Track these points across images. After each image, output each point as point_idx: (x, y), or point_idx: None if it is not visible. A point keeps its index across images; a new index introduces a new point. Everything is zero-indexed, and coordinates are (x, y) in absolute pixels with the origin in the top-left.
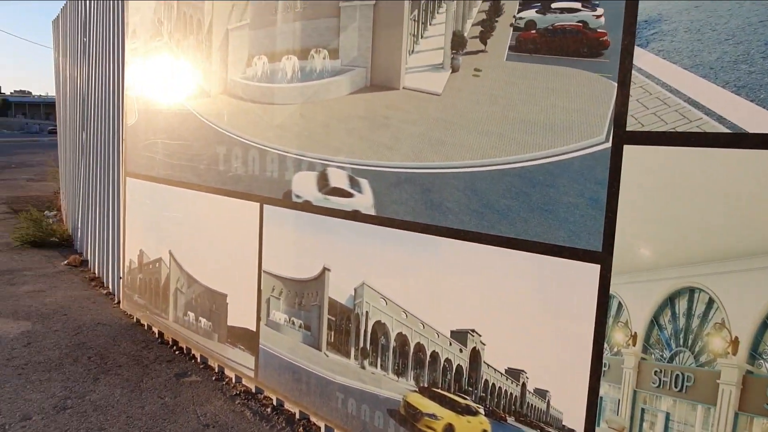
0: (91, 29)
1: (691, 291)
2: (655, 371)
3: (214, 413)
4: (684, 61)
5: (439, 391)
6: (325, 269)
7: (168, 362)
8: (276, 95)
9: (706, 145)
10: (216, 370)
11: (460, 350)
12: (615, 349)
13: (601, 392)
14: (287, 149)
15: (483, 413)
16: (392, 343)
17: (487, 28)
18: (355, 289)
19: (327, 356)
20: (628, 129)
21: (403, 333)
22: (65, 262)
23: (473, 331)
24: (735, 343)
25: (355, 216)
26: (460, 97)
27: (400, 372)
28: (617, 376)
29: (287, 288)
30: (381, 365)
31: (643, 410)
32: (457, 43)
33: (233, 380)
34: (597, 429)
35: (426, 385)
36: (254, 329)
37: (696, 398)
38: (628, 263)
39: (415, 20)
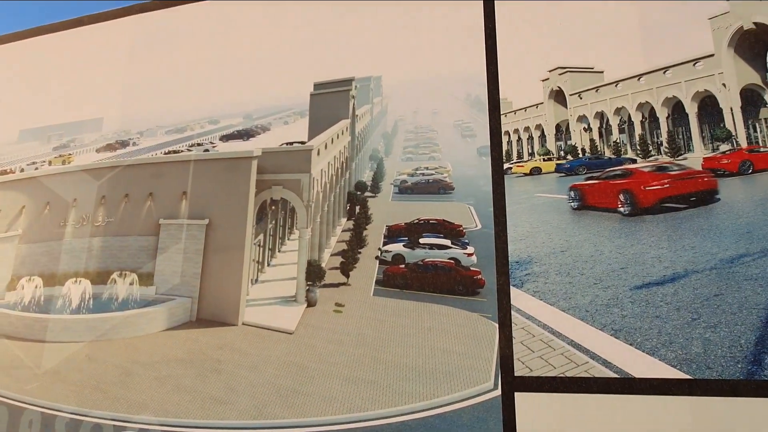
0: None
1: None
2: None
3: None
4: (560, 303)
5: None
6: None
7: None
8: (50, 330)
9: (597, 391)
10: None
11: None
12: None
13: None
14: (58, 406)
15: None
16: None
17: (349, 260)
18: None
19: None
20: (516, 374)
21: None
22: None
23: None
24: None
25: None
26: (318, 336)
27: None
28: None
29: None
30: None
31: None
32: (314, 273)
33: None
34: None
35: None
36: None
37: None
38: None
39: (260, 245)
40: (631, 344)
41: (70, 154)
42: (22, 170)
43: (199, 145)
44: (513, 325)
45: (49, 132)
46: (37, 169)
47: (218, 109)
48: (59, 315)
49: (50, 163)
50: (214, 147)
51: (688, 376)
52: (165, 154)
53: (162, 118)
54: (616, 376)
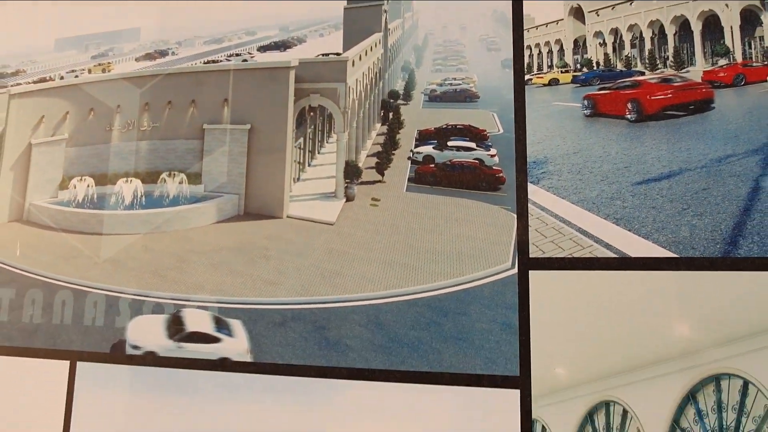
0: None
1: (607, 405)
2: None
3: None
4: (571, 197)
5: None
6: None
7: None
8: (106, 224)
9: (599, 269)
10: None
11: None
12: None
13: None
14: (121, 289)
15: None
16: None
17: (383, 160)
18: None
19: None
20: (531, 256)
21: None
22: None
23: None
24: None
25: (222, 365)
26: (357, 226)
27: None
28: None
29: None
30: None
31: None
32: (352, 172)
33: None
34: None
35: None
36: None
37: None
38: (547, 384)
39: (300, 148)
40: (629, 230)
41: (109, 63)
42: (61, 78)
43: (237, 55)
44: (529, 215)
45: (86, 41)
46: (77, 77)
47: (255, 20)
48: (113, 211)
49: (90, 71)
50: (252, 57)
51: (675, 255)
52: (204, 63)
53: (199, 29)
54: (615, 256)
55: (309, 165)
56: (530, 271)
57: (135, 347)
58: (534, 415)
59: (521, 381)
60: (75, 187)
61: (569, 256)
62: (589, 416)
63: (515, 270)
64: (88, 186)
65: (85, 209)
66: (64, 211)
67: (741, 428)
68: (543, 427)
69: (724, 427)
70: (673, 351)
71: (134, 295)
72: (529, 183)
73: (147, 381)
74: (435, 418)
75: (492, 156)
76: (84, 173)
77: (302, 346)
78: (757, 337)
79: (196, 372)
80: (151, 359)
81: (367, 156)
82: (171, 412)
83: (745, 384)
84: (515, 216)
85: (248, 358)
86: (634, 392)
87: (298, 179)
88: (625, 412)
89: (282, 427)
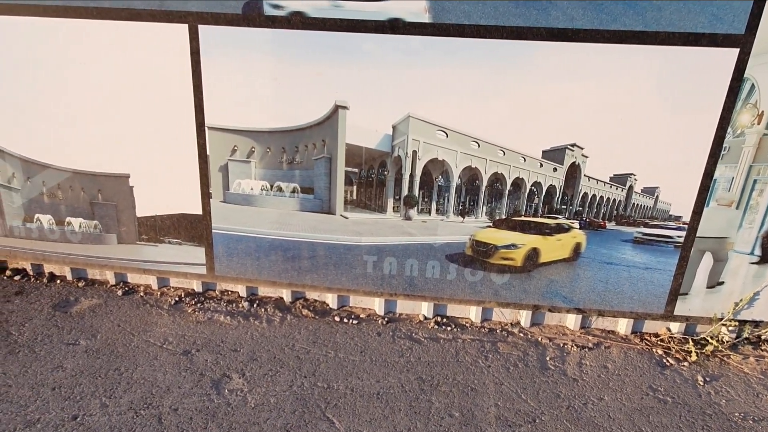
0: None
1: None
2: None
3: (176, 334)
4: None
5: (521, 218)
6: (338, 107)
7: (19, 296)
8: None
9: None
10: (114, 283)
11: (554, 170)
12: (738, 132)
13: (716, 174)
14: None
15: (577, 227)
16: (455, 182)
17: None
18: (395, 126)
19: (346, 218)
20: None
21: (473, 166)
22: None
23: (573, 145)
24: None
25: (393, 27)
26: None
27: (466, 212)
28: (735, 156)
29: (263, 144)
30: (437, 210)
31: (755, 181)
32: None
33: (155, 287)
34: (706, 209)
35: (503, 217)
36: (200, 211)
37: None
38: None
39: None
40: None
41: None
42: None
43: None
44: None
45: None
46: None
47: None
48: None
49: None
50: None
51: None
52: None
53: None
54: None
55: None
56: None
57: (276, 6)
58: (746, 74)
59: (744, 39)
60: None
61: None
62: None
63: None
64: None
65: None
66: None
67: None
68: (753, 85)
69: None
70: None
71: None
72: None
73: (296, 46)
74: (631, 80)
75: None
76: None
77: (493, 3)
78: None
79: (359, 35)
80: (299, 21)
81: None
82: (329, 81)
83: None
84: None
85: (426, 19)
86: None
87: None
88: None
89: (468, 94)
